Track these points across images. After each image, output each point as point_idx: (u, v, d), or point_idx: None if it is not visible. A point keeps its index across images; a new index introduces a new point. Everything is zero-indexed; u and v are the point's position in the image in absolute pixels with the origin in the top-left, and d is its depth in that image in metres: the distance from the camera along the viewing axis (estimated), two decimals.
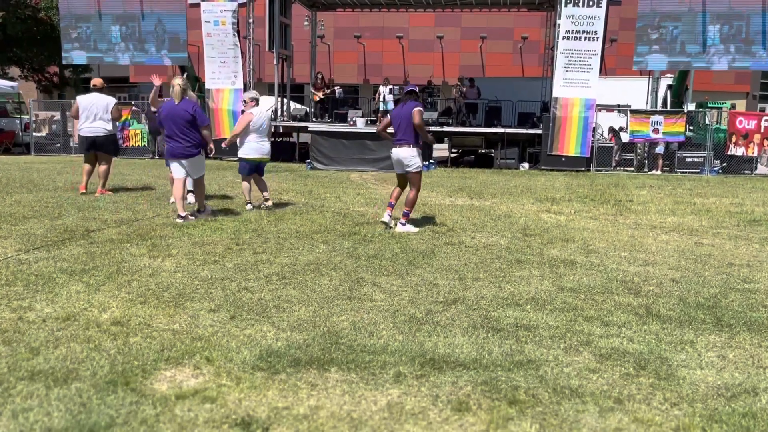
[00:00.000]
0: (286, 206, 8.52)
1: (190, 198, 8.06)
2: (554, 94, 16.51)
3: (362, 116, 17.47)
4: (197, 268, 5.02)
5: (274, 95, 21.17)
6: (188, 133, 7.25)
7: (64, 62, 20.18)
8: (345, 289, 4.63)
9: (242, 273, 4.95)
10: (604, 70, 25.03)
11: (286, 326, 3.81)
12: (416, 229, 6.93)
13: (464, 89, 20.17)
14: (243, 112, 8.16)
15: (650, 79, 22.39)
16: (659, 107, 19.32)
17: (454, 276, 5.13)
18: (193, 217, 7.29)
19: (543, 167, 16.32)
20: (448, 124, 18.88)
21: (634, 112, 16.71)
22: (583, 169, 16.02)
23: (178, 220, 7.11)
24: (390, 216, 7.10)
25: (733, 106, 22.63)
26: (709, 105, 20.00)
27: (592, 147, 16.16)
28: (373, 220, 7.52)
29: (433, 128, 18.19)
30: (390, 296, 4.51)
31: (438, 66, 35.75)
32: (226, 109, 18.28)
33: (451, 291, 4.70)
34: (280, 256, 5.52)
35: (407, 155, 6.99)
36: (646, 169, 16.61)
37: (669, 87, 20.15)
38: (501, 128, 18.31)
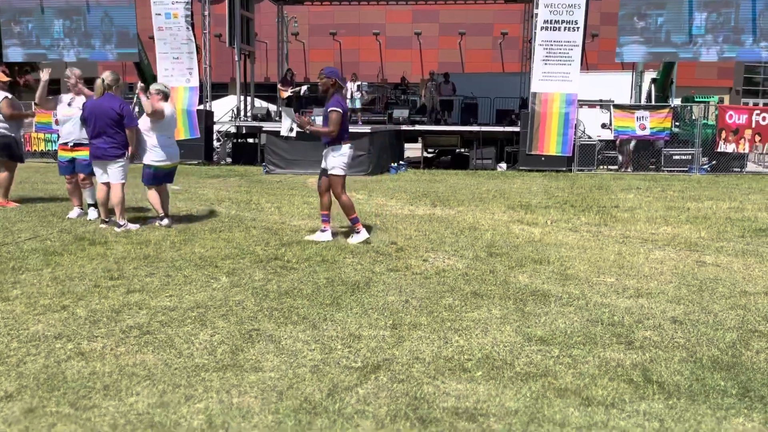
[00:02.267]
0: (207, 221, 7.17)
1: None
2: (532, 89, 15.33)
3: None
4: (32, 319, 3.69)
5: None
6: (113, 133, 6.30)
7: (5, 60, 18.67)
8: (226, 350, 3.33)
9: (92, 326, 3.62)
10: (586, 65, 24.02)
11: (104, 427, 2.51)
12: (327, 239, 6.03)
13: (435, 84, 18.95)
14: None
15: (633, 73, 21.34)
16: (643, 102, 18.25)
17: (388, 321, 3.85)
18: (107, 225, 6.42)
19: (521, 168, 15.14)
20: (421, 123, 17.65)
21: (618, 107, 15.58)
22: (564, 169, 14.85)
23: (102, 225, 6.55)
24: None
25: (722, 101, 21.66)
26: (696, 99, 18.97)
27: (574, 145, 14.98)
28: (309, 238, 6.22)
29: (405, 127, 17.00)
30: (287, 361, 3.22)
31: (416, 63, 34.66)
32: (180, 108, 16.86)
33: (377, 348, 3.42)
34: (160, 295, 4.20)
35: None
36: (630, 168, 15.50)
37: (653, 81, 19.10)
38: (477, 126, 17.13)
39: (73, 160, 7.05)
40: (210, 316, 3.82)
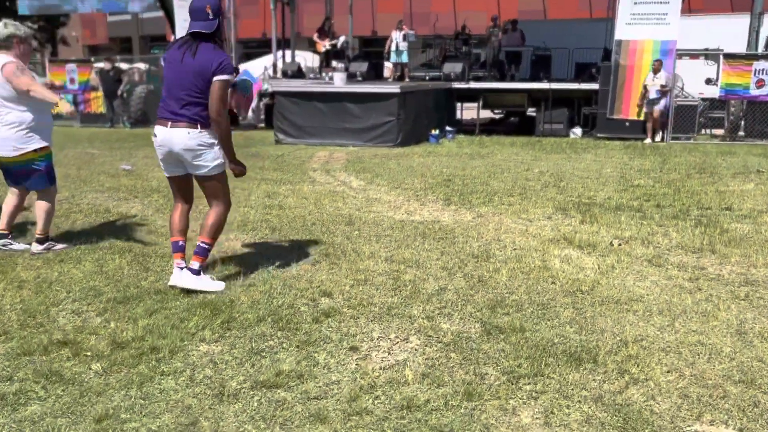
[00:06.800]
0: (80, 233, 4.82)
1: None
2: (617, 36, 12.06)
3: (346, 71, 13.48)
4: None
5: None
6: None
7: (20, 13, 17.15)
8: None
9: None
10: (688, 7, 20.03)
11: None
12: (218, 286, 3.58)
13: (497, 33, 15.90)
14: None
15: (750, 16, 17.28)
16: (762, 51, 14.47)
17: None
18: None
19: (599, 135, 12.06)
20: (478, 79, 14.68)
21: (729, 56, 12.06)
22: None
23: None
24: (182, 268, 3.51)
25: None
26: None
27: (668, 107, 11.69)
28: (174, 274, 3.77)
29: (457, 85, 14.10)
30: None
31: (493, 12, 31.18)
32: None
33: None
34: None
35: (193, 143, 3.45)
36: (742, 133, 12.09)
37: None
38: (546, 83, 14.00)
39: None
40: None
